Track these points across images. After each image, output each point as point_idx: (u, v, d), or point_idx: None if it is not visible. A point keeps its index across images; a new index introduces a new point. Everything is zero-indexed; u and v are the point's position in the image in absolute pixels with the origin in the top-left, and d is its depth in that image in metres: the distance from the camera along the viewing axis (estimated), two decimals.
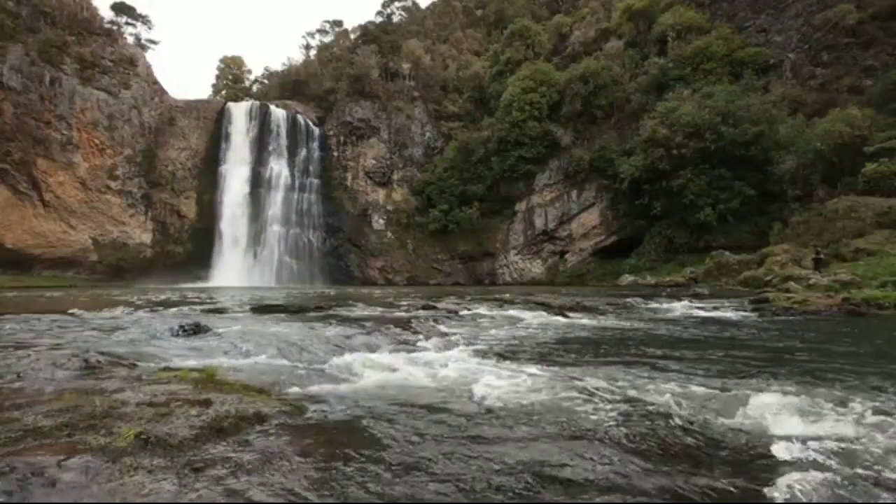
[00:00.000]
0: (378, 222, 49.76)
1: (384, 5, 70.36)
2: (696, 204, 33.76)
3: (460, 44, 61.62)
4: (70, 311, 10.58)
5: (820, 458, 2.64)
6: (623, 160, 39.12)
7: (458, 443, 2.93)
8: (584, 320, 10.93)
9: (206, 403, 3.18)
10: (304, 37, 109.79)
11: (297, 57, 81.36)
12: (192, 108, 49.61)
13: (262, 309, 11.65)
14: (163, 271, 43.70)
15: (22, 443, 2.43)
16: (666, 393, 4.17)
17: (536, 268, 45.56)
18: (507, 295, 18.36)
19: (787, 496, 2.27)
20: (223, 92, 70.46)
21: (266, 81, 72.12)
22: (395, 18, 70.03)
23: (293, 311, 11.36)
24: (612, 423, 3.33)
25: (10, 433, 2.55)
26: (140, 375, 4.11)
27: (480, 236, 47.25)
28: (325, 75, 56.72)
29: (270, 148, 48.79)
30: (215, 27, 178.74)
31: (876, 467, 2.54)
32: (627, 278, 32.86)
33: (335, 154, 50.98)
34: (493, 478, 2.43)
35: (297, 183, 49.12)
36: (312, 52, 69.56)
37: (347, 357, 5.81)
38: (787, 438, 2.95)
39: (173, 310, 11.71)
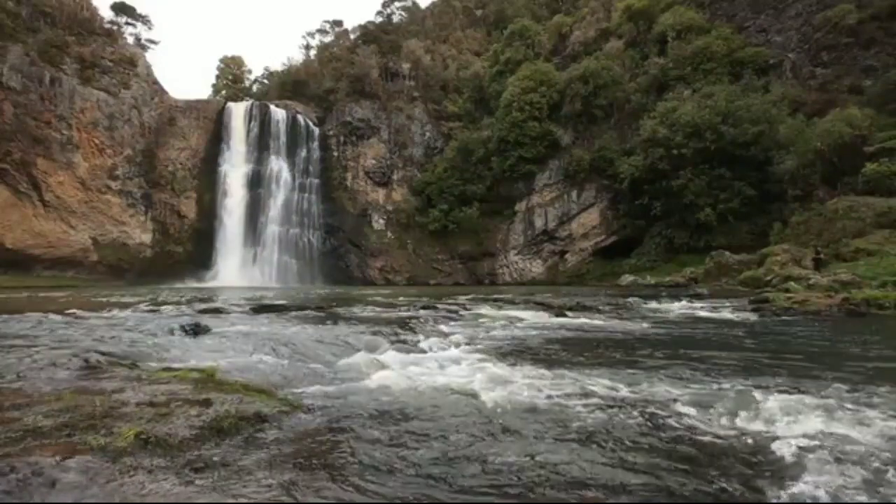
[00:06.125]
0: (378, 222, 49.75)
1: (384, 5, 70.41)
2: (696, 204, 33.75)
3: (460, 44, 61.59)
4: (70, 311, 10.58)
5: (822, 459, 2.64)
6: (623, 160, 39.10)
7: (459, 443, 2.93)
8: (584, 320, 10.93)
9: (206, 403, 3.18)
10: (304, 37, 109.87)
11: (297, 57, 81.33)
12: (192, 107, 49.61)
13: (262, 309, 11.64)
14: (163, 271, 43.73)
15: (22, 443, 2.43)
16: (666, 393, 4.17)
17: (536, 268, 45.55)
18: (508, 295, 18.36)
19: (790, 497, 2.27)
20: (223, 92, 70.44)
21: (266, 81, 72.13)
22: (395, 18, 70.02)
23: (293, 311, 11.35)
24: (613, 423, 3.33)
25: (10, 433, 2.55)
26: (140, 375, 4.11)
27: (480, 236, 47.24)
28: (325, 75, 56.67)
29: (270, 148, 48.78)
30: (215, 27, 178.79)
31: (879, 467, 2.54)
32: (627, 278, 32.83)
33: (335, 154, 50.98)
34: (493, 477, 2.43)
35: (296, 183, 49.12)
36: (312, 52, 69.57)
37: (348, 357, 5.81)
38: (789, 438, 2.95)
39: (173, 310, 11.70)
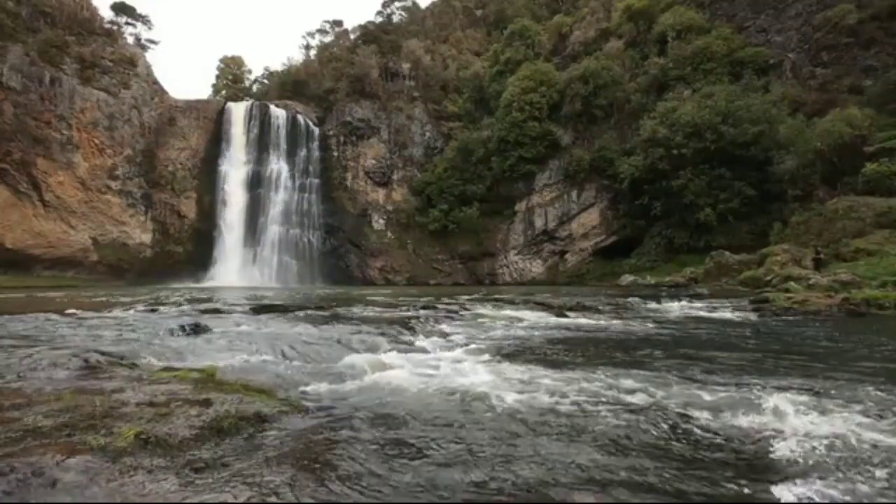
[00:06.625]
0: (378, 222, 49.75)
1: (384, 5, 70.44)
2: (696, 204, 33.74)
3: (460, 44, 61.59)
4: (70, 311, 10.57)
5: (823, 459, 2.63)
6: (623, 160, 39.10)
7: (459, 443, 2.93)
8: (584, 320, 10.93)
9: (206, 403, 3.18)
10: (304, 37, 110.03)
11: (297, 57, 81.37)
12: (192, 108, 49.61)
13: (261, 309, 11.64)
14: (163, 271, 43.73)
15: (22, 443, 2.43)
16: (666, 393, 4.16)
17: (536, 268, 45.55)
18: (508, 295, 18.35)
19: (791, 496, 2.27)
20: (223, 92, 70.46)
21: (266, 81, 72.15)
22: (395, 18, 70.05)
23: (293, 311, 11.35)
24: (613, 423, 3.32)
25: (10, 433, 2.54)
26: (140, 375, 4.11)
27: (480, 236, 47.24)
28: (325, 75, 56.68)
29: (270, 148, 48.80)
30: (215, 27, 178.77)
31: (880, 467, 2.53)
32: (627, 278, 32.82)
33: (335, 154, 50.98)
34: (494, 477, 2.43)
35: (296, 183, 49.12)
36: (312, 52, 69.59)
37: (348, 357, 5.81)
38: (790, 438, 2.95)
39: (173, 310, 11.70)
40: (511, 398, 3.95)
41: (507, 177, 45.92)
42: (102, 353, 4.96)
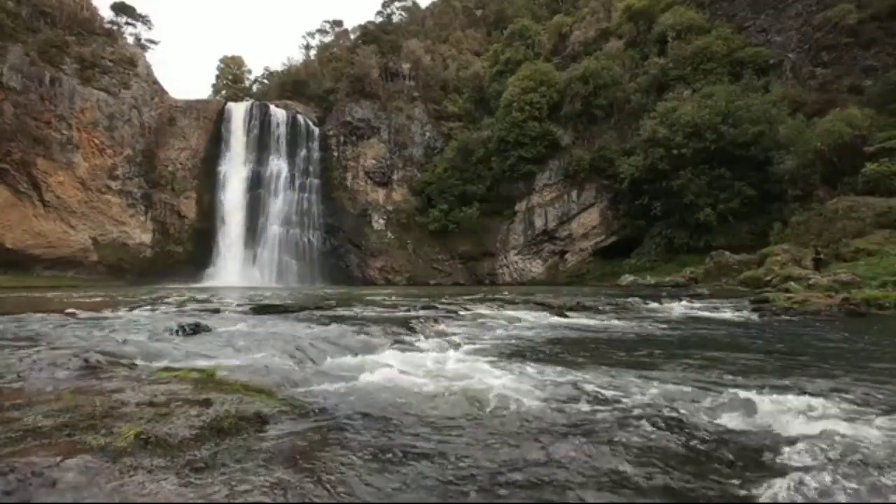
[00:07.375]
0: (378, 222, 49.76)
1: (384, 5, 70.53)
2: (696, 204, 33.75)
3: (460, 44, 61.60)
4: (69, 311, 10.56)
5: (823, 459, 2.63)
6: (623, 160, 39.12)
7: (458, 443, 2.92)
8: (584, 320, 10.92)
9: (207, 403, 3.17)
10: (304, 37, 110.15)
11: (297, 57, 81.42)
12: (192, 107, 49.63)
13: (262, 309, 11.63)
14: (163, 271, 43.74)
15: (22, 443, 2.42)
16: (666, 393, 4.16)
17: (536, 268, 45.55)
18: (508, 295, 18.36)
19: (790, 497, 2.26)
20: (223, 92, 70.48)
21: (266, 81, 72.21)
22: (395, 18, 70.11)
23: (293, 311, 11.35)
24: (612, 423, 3.31)
25: (10, 433, 2.54)
26: (140, 375, 4.10)
27: (480, 236, 47.25)
28: (325, 75, 56.71)
29: (270, 148, 48.83)
30: (215, 27, 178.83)
31: (880, 468, 2.53)
32: (627, 278, 32.83)
33: (335, 154, 50.99)
34: (493, 478, 2.43)
35: (296, 183, 49.15)
36: (312, 52, 69.67)
37: (348, 357, 5.81)
38: (789, 439, 2.94)
39: (173, 310, 11.70)
40: (508, 398, 3.94)
41: (507, 177, 45.94)
42: (102, 353, 4.96)
